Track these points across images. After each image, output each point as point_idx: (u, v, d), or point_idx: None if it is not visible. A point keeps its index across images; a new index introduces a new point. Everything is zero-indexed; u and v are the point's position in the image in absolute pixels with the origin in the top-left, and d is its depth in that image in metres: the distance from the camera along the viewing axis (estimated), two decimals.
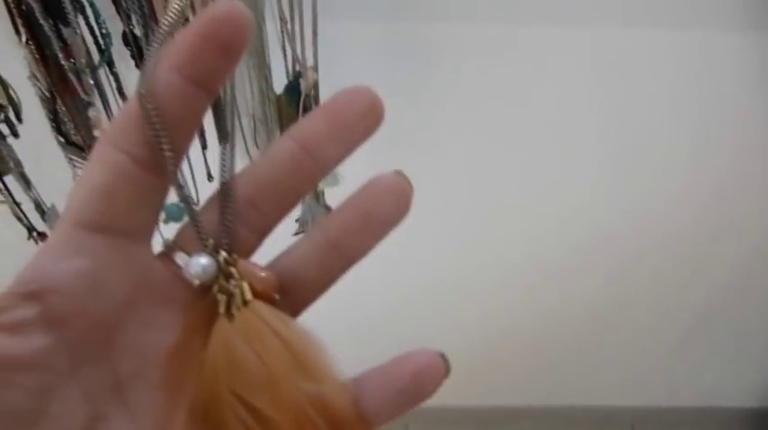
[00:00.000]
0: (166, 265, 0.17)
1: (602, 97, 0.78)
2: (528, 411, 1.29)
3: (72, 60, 0.49)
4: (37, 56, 0.47)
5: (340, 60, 0.69)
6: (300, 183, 0.18)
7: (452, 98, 0.76)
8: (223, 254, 0.17)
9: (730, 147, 0.84)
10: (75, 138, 0.53)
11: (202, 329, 0.17)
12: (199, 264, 0.17)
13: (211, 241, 0.17)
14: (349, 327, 1.13)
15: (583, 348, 1.19)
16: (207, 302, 0.17)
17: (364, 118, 0.18)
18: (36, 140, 0.62)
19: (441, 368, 0.19)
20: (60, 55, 0.48)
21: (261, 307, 0.17)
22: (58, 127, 0.52)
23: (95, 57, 0.51)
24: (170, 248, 0.18)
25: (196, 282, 0.17)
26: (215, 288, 0.17)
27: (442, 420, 1.30)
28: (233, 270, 0.17)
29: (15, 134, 0.55)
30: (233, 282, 0.17)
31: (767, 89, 0.77)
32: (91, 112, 0.52)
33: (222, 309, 0.17)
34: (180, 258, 0.17)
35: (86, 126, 0.52)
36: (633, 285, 1.06)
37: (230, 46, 0.15)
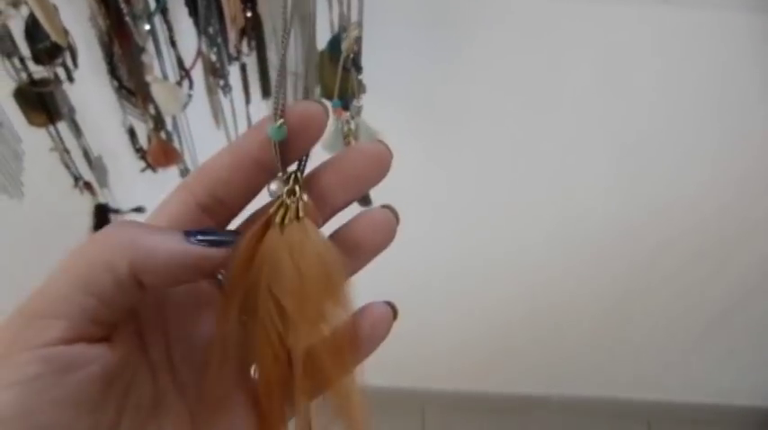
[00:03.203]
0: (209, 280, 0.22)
1: (625, 87, 0.78)
2: (543, 401, 1.29)
3: (130, 5, 0.51)
4: None
5: (380, 29, 0.71)
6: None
7: (485, 75, 0.77)
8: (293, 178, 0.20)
9: (756, 141, 0.84)
10: (128, 83, 0.55)
11: (260, 238, 0.20)
12: (274, 186, 0.20)
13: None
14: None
15: (600, 340, 1.19)
16: (268, 218, 0.20)
17: (373, 172, 0.21)
18: (87, 89, 0.65)
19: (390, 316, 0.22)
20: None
21: (308, 225, 0.20)
22: (112, 70, 0.54)
23: (152, 5, 0.54)
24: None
25: (270, 198, 0.21)
26: (276, 203, 0.20)
27: (457, 406, 1.31)
28: (297, 188, 0.20)
29: (71, 78, 0.58)
30: (293, 198, 0.20)
31: None
32: (144, 58, 0.54)
33: (278, 220, 0.20)
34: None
35: (138, 71, 0.54)
36: (653, 278, 1.06)
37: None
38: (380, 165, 0.20)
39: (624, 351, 1.21)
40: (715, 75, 0.77)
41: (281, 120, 0.18)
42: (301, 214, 0.20)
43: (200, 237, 0.18)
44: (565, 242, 1.01)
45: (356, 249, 0.21)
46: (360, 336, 0.21)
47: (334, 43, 0.55)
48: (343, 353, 0.21)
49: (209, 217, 0.20)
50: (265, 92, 0.60)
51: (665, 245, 1.00)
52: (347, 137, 0.60)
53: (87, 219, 0.76)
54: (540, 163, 0.88)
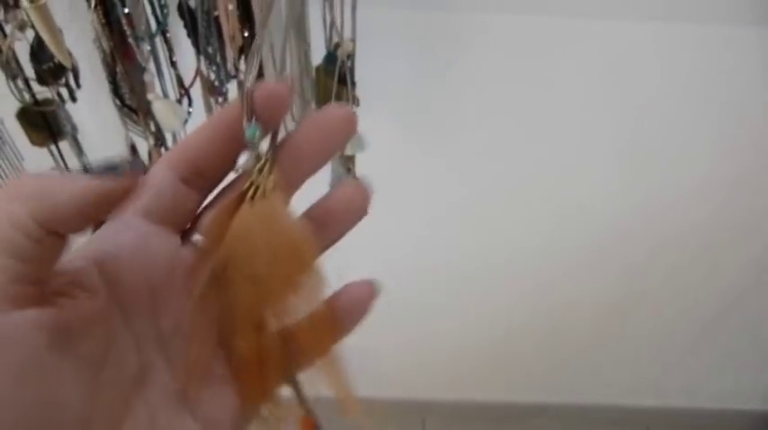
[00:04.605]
0: (191, 251, 0.22)
1: (620, 90, 0.80)
2: (542, 409, 1.30)
3: (133, 27, 0.53)
4: (103, 21, 0.51)
5: (372, 45, 0.73)
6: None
7: (477, 86, 0.79)
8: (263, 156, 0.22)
9: (748, 142, 0.85)
10: (130, 101, 0.57)
11: (233, 212, 0.21)
12: (244, 158, 0.22)
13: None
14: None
15: (598, 346, 1.20)
16: (241, 194, 0.21)
17: (341, 131, 0.22)
18: (90, 108, 0.67)
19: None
20: (123, 21, 0.52)
21: (278, 199, 0.21)
22: (115, 89, 0.56)
23: (153, 26, 0.56)
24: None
25: (240, 170, 0.22)
26: (249, 180, 0.21)
27: (458, 415, 1.31)
28: (267, 167, 0.21)
29: (74, 98, 0.60)
30: (263, 175, 0.21)
31: None
32: (146, 77, 0.56)
33: (249, 195, 0.21)
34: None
35: (140, 89, 0.56)
36: (648, 283, 1.07)
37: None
38: (348, 124, 0.22)
39: (621, 357, 1.22)
40: (703, 82, 0.79)
41: (253, 123, 0.20)
42: (269, 190, 0.21)
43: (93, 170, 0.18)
44: (560, 249, 1.02)
45: (330, 222, 0.22)
46: (337, 313, 0.22)
47: (330, 59, 0.56)
48: (322, 330, 0.22)
49: (191, 188, 0.21)
50: None
51: (660, 249, 1.01)
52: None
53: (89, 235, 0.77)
54: (536, 170, 0.90)
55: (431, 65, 0.75)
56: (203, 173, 0.21)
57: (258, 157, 0.21)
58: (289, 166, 0.21)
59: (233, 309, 0.21)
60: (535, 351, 1.21)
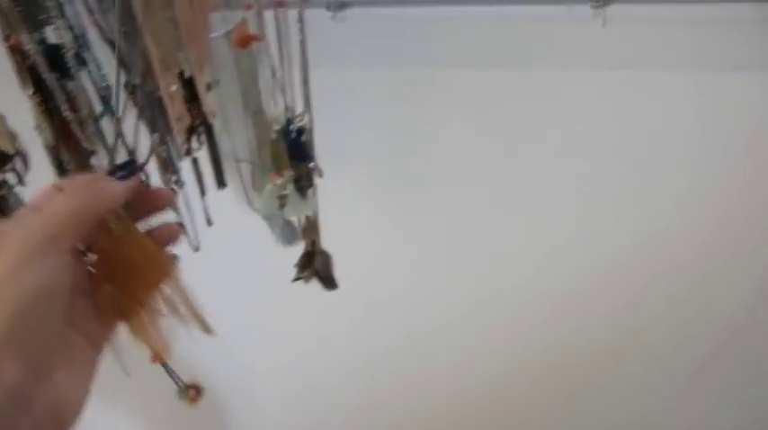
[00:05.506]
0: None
1: (601, 136, 0.79)
2: None
3: (76, 111, 0.51)
4: (42, 107, 0.49)
5: (336, 105, 0.71)
6: None
7: (445, 142, 0.78)
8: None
9: (733, 183, 0.84)
10: None
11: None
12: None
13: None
14: (354, 368, 1.12)
15: (594, 388, 1.17)
16: (107, 232, 0.31)
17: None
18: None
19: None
20: (63, 106, 0.50)
21: (133, 228, 0.33)
22: (62, 174, 0.54)
23: (100, 106, 0.54)
24: None
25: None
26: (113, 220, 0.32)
27: None
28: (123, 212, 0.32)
29: (22, 182, 0.58)
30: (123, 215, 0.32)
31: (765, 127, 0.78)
32: (93, 160, 0.54)
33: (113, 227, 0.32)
34: None
35: (89, 173, 0.54)
36: (642, 320, 1.05)
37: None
38: (168, 200, 0.35)
39: (618, 397, 1.19)
40: (679, 127, 0.78)
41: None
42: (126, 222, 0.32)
43: (121, 174, 0.31)
44: (552, 291, 1.00)
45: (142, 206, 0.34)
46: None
47: (283, 134, 0.54)
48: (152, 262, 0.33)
49: None
50: (220, 183, 0.60)
51: (651, 288, 0.99)
52: (282, 199, 0.60)
53: None
54: (520, 216, 0.89)
55: (395, 123, 0.73)
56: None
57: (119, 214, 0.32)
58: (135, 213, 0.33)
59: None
60: (531, 394, 1.18)
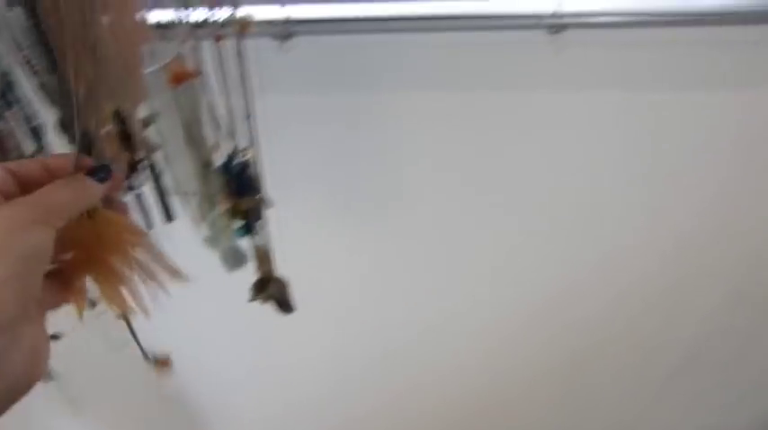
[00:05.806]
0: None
1: (560, 155, 0.79)
2: None
3: (5, 152, 0.49)
4: None
5: (287, 132, 0.70)
6: None
7: (399, 163, 0.77)
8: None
9: (701, 191, 0.85)
10: None
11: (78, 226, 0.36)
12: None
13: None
14: (333, 384, 1.12)
15: (568, 395, 1.18)
16: (82, 219, 0.36)
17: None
18: None
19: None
20: None
21: (104, 212, 0.37)
22: None
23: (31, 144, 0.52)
24: None
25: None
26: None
27: None
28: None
29: None
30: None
31: (730, 143, 0.77)
32: None
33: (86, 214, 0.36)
34: None
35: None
36: (614, 329, 1.05)
37: None
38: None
39: (593, 404, 1.19)
40: (640, 141, 0.77)
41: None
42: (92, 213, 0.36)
43: (100, 176, 0.35)
44: (519, 307, 1.01)
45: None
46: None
47: (224, 168, 0.53)
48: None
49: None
50: (168, 216, 0.58)
51: (622, 296, 1.00)
52: (225, 229, 0.59)
53: None
54: (485, 236, 0.89)
55: (350, 147, 0.72)
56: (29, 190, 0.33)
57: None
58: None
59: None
60: (505, 406, 1.19)
